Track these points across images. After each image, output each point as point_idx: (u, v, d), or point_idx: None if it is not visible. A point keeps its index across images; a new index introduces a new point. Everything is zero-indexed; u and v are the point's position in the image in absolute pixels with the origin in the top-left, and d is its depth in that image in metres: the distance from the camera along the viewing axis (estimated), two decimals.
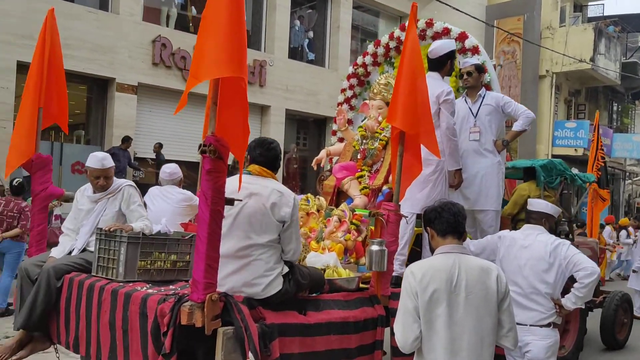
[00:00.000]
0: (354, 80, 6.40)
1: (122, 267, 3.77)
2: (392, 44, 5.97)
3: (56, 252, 4.26)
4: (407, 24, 5.52)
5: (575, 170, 6.64)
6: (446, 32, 5.49)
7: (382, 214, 3.94)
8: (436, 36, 5.56)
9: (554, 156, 16.94)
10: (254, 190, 3.32)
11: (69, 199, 4.81)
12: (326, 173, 5.95)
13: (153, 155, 13.36)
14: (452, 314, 2.75)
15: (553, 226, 4.23)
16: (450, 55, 4.72)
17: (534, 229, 4.09)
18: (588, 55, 17.95)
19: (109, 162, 4.34)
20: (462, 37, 5.42)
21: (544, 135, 18.29)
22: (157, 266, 3.92)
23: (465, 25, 17.03)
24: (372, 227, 4.68)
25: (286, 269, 3.39)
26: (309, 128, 16.85)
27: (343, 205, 4.64)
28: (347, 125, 5.97)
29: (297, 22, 16.29)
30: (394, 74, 5.98)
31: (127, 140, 12.55)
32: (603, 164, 8.73)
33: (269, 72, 15.04)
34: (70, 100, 16.47)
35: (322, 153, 5.88)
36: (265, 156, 3.49)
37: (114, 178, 4.43)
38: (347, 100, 6.47)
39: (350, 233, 4.46)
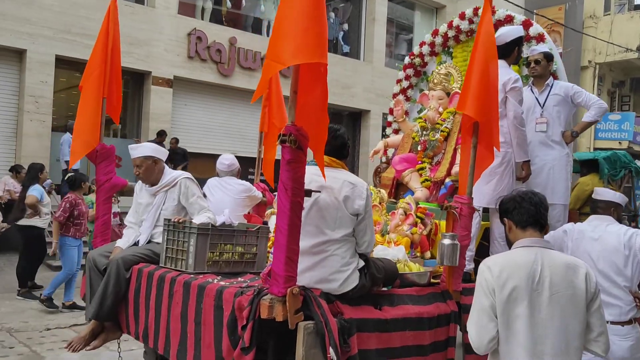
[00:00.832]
0: (410, 71, 6.30)
1: (191, 258, 3.77)
2: (451, 33, 5.86)
3: (122, 243, 4.28)
4: (467, 12, 5.46)
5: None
6: (509, 20, 5.37)
7: (454, 207, 3.86)
8: (498, 24, 5.44)
9: (595, 149, 16.59)
10: (324, 183, 3.25)
11: (132, 190, 4.85)
12: (383, 165, 5.89)
13: (190, 149, 13.42)
14: (534, 314, 2.56)
15: (621, 216, 4.10)
16: (517, 42, 4.60)
17: (602, 220, 3.95)
18: (634, 44, 17.51)
19: (139, 152, 4.31)
20: (526, 24, 5.29)
21: None
22: (225, 258, 3.91)
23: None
24: (437, 221, 4.62)
25: (362, 263, 3.34)
26: (344, 121, 16.78)
27: (408, 198, 4.57)
28: (404, 116, 5.89)
29: (332, 15, 16.24)
30: (453, 63, 5.90)
31: (162, 134, 12.65)
32: None
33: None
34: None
35: (380, 144, 5.81)
36: (332, 144, 3.29)
37: (168, 170, 4.42)
38: (403, 91, 6.37)
39: (416, 226, 4.40)
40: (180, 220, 3.90)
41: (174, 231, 3.93)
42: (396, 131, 6.38)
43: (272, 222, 4.60)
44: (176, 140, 12.80)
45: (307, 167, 3.29)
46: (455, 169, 5.06)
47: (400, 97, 6.34)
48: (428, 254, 4.49)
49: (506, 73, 4.47)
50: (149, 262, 4.07)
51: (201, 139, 14.11)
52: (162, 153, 4.41)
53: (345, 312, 3.19)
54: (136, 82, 13.50)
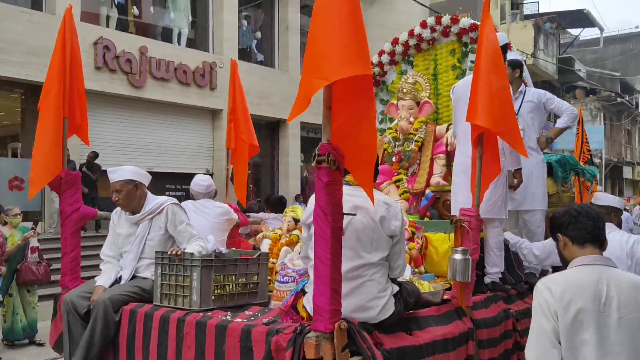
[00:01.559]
0: None
1: (196, 294, 3.43)
2: (412, 42, 5.86)
3: (103, 281, 3.83)
4: (429, 20, 5.47)
5: None
6: (474, 28, 5.45)
7: (464, 221, 3.80)
8: (462, 32, 5.52)
9: None
10: (358, 203, 3.07)
11: (106, 219, 4.38)
12: None
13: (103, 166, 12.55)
14: (602, 340, 2.35)
15: (621, 221, 4.21)
16: (504, 50, 4.66)
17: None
18: (529, 51, 18.73)
19: (119, 175, 3.93)
20: None
21: None
22: (229, 290, 3.60)
23: (409, 22, 17.38)
24: (425, 234, 4.55)
25: (396, 288, 3.19)
26: (262, 131, 16.49)
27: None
28: None
29: (245, 22, 15.95)
30: (414, 72, 5.89)
31: (94, 155, 11.81)
32: (589, 157, 9.01)
33: (219, 75, 14.59)
34: (0, 110, 15.35)
35: None
36: None
37: (151, 195, 4.03)
38: None
39: (413, 241, 4.31)
40: (178, 252, 3.54)
41: (169, 265, 3.56)
42: None
43: (264, 246, 4.33)
44: (94, 155, 11.89)
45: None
46: (435, 179, 5.04)
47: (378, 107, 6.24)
48: (422, 269, 4.41)
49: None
50: (138, 302, 3.66)
51: (113, 154, 13.26)
52: (144, 177, 4.01)
53: (384, 342, 3.02)
54: (36, 95, 12.42)
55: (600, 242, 2.60)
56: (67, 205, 4.06)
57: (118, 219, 4.08)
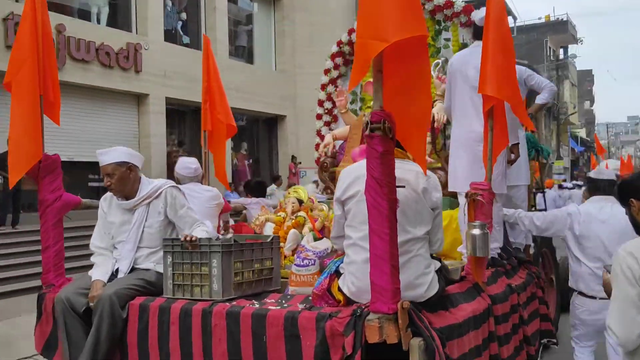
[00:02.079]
0: (339, 60, 6.07)
1: (217, 283, 3.16)
2: None
3: (100, 275, 3.45)
4: None
5: None
6: (449, 6, 5.42)
7: (478, 194, 3.76)
8: (437, 9, 5.48)
9: None
10: (398, 175, 2.93)
11: (90, 207, 3.97)
12: (329, 159, 5.60)
13: None
14: None
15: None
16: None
17: (606, 200, 4.06)
18: None
19: (111, 157, 3.58)
20: (467, 10, 5.39)
21: None
22: (247, 278, 3.36)
23: (335, 11, 17.33)
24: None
25: (438, 264, 3.09)
26: (189, 117, 15.90)
27: None
28: (347, 107, 5.65)
29: (169, 2, 15.23)
30: None
31: None
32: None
33: (144, 57, 13.86)
34: None
35: (329, 138, 5.50)
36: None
37: (145, 179, 3.69)
38: (333, 82, 6.11)
39: None
40: (193, 239, 3.24)
41: (182, 253, 3.26)
42: (327, 123, 6.13)
43: (267, 230, 4.09)
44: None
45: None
46: None
47: (330, 87, 6.08)
48: None
49: None
50: (145, 295, 3.34)
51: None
52: (138, 159, 3.66)
53: (432, 320, 2.91)
54: None
55: None
56: (48, 193, 3.63)
57: (108, 206, 3.70)
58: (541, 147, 6.88)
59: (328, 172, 5.50)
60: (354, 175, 3.02)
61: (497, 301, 3.84)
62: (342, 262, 3.07)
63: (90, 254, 3.71)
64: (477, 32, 4.52)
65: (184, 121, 16.09)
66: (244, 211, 4.95)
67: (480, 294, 3.71)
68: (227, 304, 3.06)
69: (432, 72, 5.35)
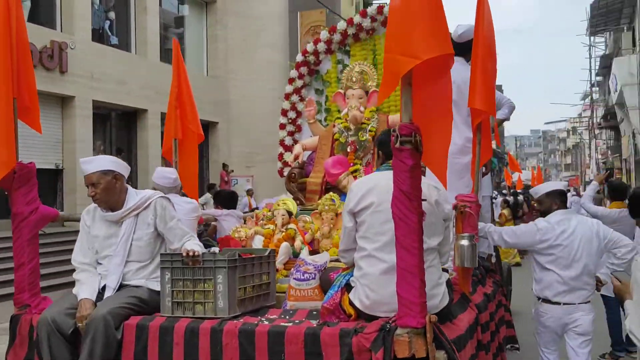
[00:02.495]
0: (304, 69, 6.03)
1: (223, 299, 3.05)
2: (351, 31, 5.79)
3: (87, 293, 3.23)
4: (369, 10, 5.53)
5: None
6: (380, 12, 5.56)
7: (467, 206, 3.85)
8: (371, 20, 5.60)
9: None
10: None
11: (68, 220, 3.71)
12: (296, 170, 5.55)
13: None
14: None
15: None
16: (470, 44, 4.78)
17: (565, 213, 4.31)
18: None
19: (96, 165, 3.40)
20: None
21: None
22: (248, 293, 3.26)
23: (269, 16, 17.27)
24: None
25: (446, 275, 3.14)
26: (116, 121, 15.28)
27: None
28: (315, 117, 5.64)
29: (97, 1, 14.61)
30: (351, 62, 5.84)
31: None
32: None
33: (70, 56, 13.18)
34: None
35: (299, 148, 5.46)
36: None
37: (132, 189, 3.51)
38: (297, 91, 6.07)
39: None
40: (196, 254, 3.11)
41: (183, 269, 3.12)
42: (291, 133, 6.09)
43: (256, 243, 3.98)
44: None
45: (385, 173, 3.02)
46: None
47: (294, 97, 6.05)
48: None
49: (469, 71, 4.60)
50: (139, 314, 3.17)
51: None
52: (124, 168, 3.47)
53: (447, 333, 2.94)
54: None
55: None
56: (23, 205, 3.37)
57: (92, 219, 3.48)
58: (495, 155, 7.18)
59: (296, 182, 5.46)
60: (366, 187, 3.04)
61: (481, 310, 3.95)
62: (351, 276, 3.06)
63: (70, 270, 3.47)
64: (454, 48, 4.64)
65: (111, 126, 15.43)
66: (214, 223, 4.80)
67: (468, 303, 3.81)
68: (236, 321, 2.96)
69: None
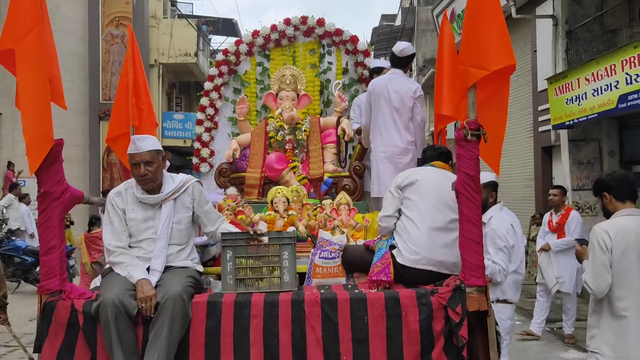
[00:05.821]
0: (224, 68, 6.23)
1: (289, 274, 3.37)
2: (274, 36, 6.17)
3: (143, 274, 3.23)
4: (293, 19, 6.14)
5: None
6: (338, 33, 6.19)
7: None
8: (326, 35, 6.20)
9: (165, 148, 18.03)
10: (447, 175, 3.80)
11: (92, 203, 3.54)
12: (225, 165, 5.79)
13: None
14: None
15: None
16: (412, 57, 5.55)
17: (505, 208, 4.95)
18: (192, 50, 19.71)
19: (149, 144, 3.46)
20: (354, 40, 6.23)
21: None
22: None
23: (66, 4, 16.23)
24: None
25: None
26: None
27: (342, 193, 4.90)
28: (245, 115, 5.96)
29: None
30: (271, 66, 6.27)
31: None
32: None
33: None
34: None
35: (234, 144, 5.71)
36: (441, 151, 4.16)
37: (166, 172, 3.59)
38: (217, 89, 6.25)
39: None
40: (262, 232, 3.36)
41: (245, 247, 3.35)
42: (208, 130, 6.27)
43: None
44: None
45: (425, 168, 3.74)
46: (330, 166, 5.65)
47: (214, 94, 6.26)
48: None
49: (412, 82, 5.40)
50: (197, 293, 3.31)
51: None
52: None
53: None
54: None
55: (635, 199, 3.78)
56: (54, 184, 3.26)
57: (124, 201, 3.45)
58: None
59: (228, 177, 5.74)
60: (415, 171, 3.88)
61: None
62: (393, 239, 3.69)
63: None
64: (395, 62, 5.43)
65: None
66: None
67: None
68: (319, 292, 3.31)
69: (333, 91, 6.07)
